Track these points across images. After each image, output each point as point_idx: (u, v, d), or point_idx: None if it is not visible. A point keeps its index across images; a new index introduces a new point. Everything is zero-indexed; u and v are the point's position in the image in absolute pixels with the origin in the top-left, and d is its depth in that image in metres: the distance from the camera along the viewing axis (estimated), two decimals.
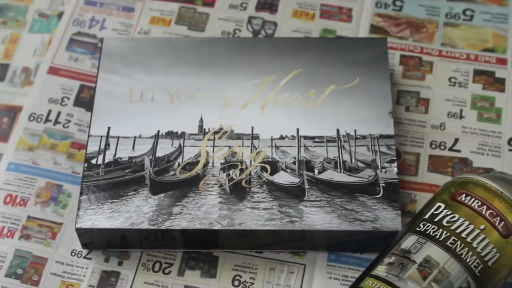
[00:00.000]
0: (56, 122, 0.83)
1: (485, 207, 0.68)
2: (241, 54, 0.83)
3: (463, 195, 0.69)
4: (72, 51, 0.88)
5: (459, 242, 0.67)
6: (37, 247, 0.76)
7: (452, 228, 0.67)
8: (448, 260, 0.66)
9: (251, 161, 0.77)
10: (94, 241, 0.75)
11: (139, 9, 0.92)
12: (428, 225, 0.68)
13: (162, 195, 0.75)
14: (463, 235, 0.67)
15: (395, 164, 0.76)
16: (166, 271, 0.75)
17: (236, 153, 0.78)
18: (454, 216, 0.68)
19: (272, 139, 0.78)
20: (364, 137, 0.78)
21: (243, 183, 0.76)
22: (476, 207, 0.68)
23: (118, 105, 0.80)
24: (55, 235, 0.77)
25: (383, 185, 0.75)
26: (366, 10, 0.91)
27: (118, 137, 0.78)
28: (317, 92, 0.81)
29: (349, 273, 0.75)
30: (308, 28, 0.90)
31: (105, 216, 0.73)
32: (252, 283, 0.74)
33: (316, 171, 0.77)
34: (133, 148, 0.78)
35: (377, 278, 0.66)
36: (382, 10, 0.91)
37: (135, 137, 0.78)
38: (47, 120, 0.84)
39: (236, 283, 0.74)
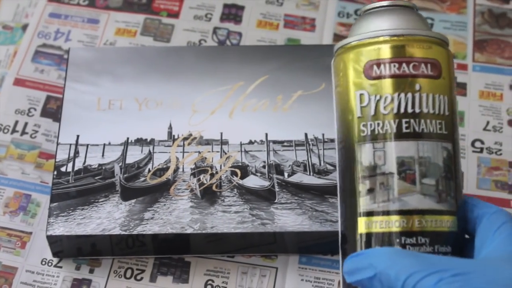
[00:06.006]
0: (23, 132, 0.83)
1: (404, 64, 0.58)
2: (208, 62, 0.84)
3: (375, 68, 0.58)
4: (37, 62, 0.88)
5: (412, 120, 0.57)
6: (6, 257, 0.75)
7: (395, 112, 0.57)
8: (417, 146, 0.57)
9: (221, 166, 0.78)
10: (65, 249, 0.74)
11: (104, 21, 0.92)
12: (371, 124, 0.58)
13: (133, 200, 0.75)
14: (409, 110, 0.57)
15: None
16: (138, 277, 0.75)
17: (206, 158, 0.78)
18: (386, 98, 0.57)
19: (241, 144, 0.79)
20: (332, 140, 0.79)
21: (213, 187, 0.76)
22: (397, 71, 0.58)
23: (86, 113, 0.80)
24: (24, 244, 0.76)
25: None
26: (329, 20, 0.93)
27: (87, 145, 0.78)
28: (284, 97, 0.82)
29: (320, 275, 0.75)
30: (273, 38, 0.91)
31: (76, 223, 0.73)
32: (225, 287, 0.74)
33: (285, 174, 0.77)
34: (102, 155, 0.78)
35: (371, 214, 0.57)
36: (344, 19, 0.93)
37: (104, 145, 0.78)
38: (14, 131, 0.83)
39: (209, 287, 0.74)
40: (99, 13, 0.93)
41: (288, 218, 0.74)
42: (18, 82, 0.87)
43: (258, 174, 0.77)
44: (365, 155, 0.58)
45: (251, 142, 0.79)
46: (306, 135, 0.79)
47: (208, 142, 0.79)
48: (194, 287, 0.74)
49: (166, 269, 0.75)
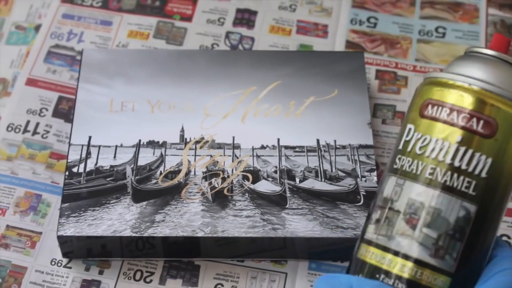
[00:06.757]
0: (35, 132, 0.83)
1: (455, 113, 0.56)
2: (220, 66, 0.84)
3: (429, 108, 0.57)
4: (50, 63, 0.88)
5: (438, 169, 0.56)
6: (16, 256, 0.75)
7: (427, 155, 0.56)
8: (432, 195, 0.56)
9: (232, 170, 0.78)
10: (75, 250, 0.74)
11: (117, 23, 0.92)
12: (403, 159, 0.57)
13: (145, 203, 0.75)
14: (440, 158, 0.56)
15: (375, 173, 0.77)
16: (148, 279, 0.75)
17: (217, 162, 0.78)
18: (425, 139, 0.56)
19: (253, 149, 0.79)
20: (344, 147, 0.79)
21: (225, 191, 0.76)
22: (445, 117, 0.56)
23: (98, 114, 0.80)
24: (34, 244, 0.76)
25: (364, 193, 0.76)
26: (342, 27, 0.93)
27: (99, 146, 0.78)
28: (296, 103, 0.82)
29: None
30: (285, 43, 0.91)
31: (87, 224, 0.73)
32: None
33: (297, 180, 0.77)
34: (114, 157, 0.78)
35: (369, 243, 0.58)
36: (357, 26, 0.93)
37: (116, 146, 0.78)
38: (25, 131, 0.83)
39: None
40: (112, 15, 0.93)
41: (299, 224, 0.74)
42: (30, 82, 0.87)
43: (270, 179, 0.77)
44: (387, 186, 0.58)
45: (263, 147, 0.79)
46: (318, 141, 0.79)
47: (220, 146, 0.79)
48: None
49: (175, 272, 0.75)
